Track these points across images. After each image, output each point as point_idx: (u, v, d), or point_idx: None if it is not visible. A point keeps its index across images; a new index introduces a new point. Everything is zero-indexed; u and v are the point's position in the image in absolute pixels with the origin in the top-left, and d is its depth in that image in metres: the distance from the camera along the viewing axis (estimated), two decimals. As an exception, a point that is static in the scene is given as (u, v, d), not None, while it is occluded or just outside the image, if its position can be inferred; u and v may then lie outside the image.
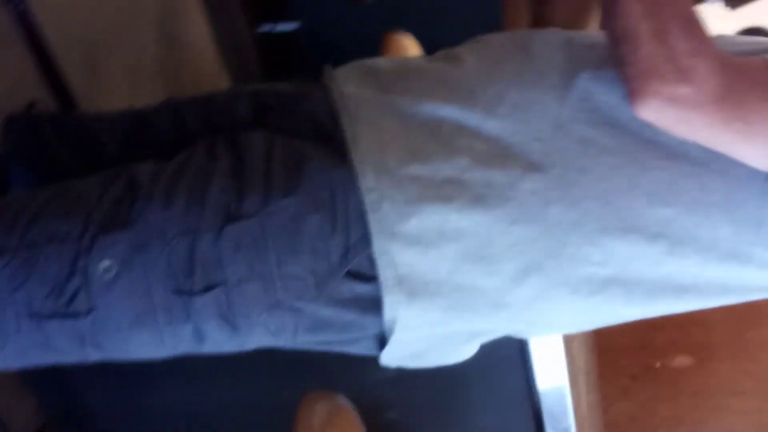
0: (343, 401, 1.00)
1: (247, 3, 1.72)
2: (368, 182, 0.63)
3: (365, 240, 0.63)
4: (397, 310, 0.65)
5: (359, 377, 1.02)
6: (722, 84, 0.59)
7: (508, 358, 1.07)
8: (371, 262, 0.64)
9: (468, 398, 1.14)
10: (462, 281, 0.67)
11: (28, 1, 1.04)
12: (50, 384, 1.09)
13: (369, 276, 0.65)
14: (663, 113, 0.61)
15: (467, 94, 0.68)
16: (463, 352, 0.79)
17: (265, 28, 1.82)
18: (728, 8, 1.01)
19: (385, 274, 0.64)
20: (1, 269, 0.66)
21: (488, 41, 0.76)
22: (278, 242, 0.64)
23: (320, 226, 0.63)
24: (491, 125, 0.66)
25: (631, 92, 0.61)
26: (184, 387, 1.15)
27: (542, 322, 0.76)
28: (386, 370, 0.77)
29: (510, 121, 0.66)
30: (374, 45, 1.19)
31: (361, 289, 0.65)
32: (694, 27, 0.61)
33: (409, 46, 1.20)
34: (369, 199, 0.63)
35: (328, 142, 0.67)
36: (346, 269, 0.64)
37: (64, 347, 0.70)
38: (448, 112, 0.67)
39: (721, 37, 0.73)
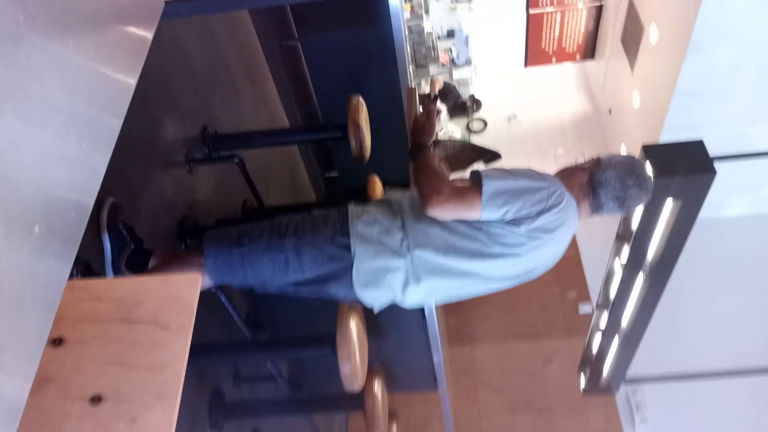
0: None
1: (319, 160, 3.86)
2: (352, 211, 1.78)
3: (346, 224, 1.73)
4: (355, 247, 1.70)
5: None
6: (452, 191, 1.64)
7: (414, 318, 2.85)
8: (348, 229, 1.72)
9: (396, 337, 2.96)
10: (381, 238, 1.71)
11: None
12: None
13: (347, 235, 1.71)
14: (436, 209, 1.63)
15: (398, 208, 1.79)
16: (394, 289, 1.75)
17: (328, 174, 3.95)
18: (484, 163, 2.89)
19: (352, 232, 1.71)
20: (240, 244, 1.79)
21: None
22: (319, 230, 1.75)
23: (333, 224, 1.74)
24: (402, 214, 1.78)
25: (424, 205, 1.64)
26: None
27: (418, 269, 1.73)
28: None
29: (400, 206, 1.80)
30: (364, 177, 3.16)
31: (344, 240, 1.71)
32: (440, 176, 1.68)
33: (377, 181, 3.16)
34: (351, 216, 1.76)
35: (340, 213, 1.81)
36: (341, 232, 1.72)
37: (236, 265, 1.76)
38: (391, 211, 1.80)
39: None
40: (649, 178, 1.77)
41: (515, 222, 1.65)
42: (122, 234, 1.94)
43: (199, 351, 2.17)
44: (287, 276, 1.74)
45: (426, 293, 1.81)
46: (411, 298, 1.79)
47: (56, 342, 0.82)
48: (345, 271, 1.72)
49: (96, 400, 0.77)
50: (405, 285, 1.75)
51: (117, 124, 0.78)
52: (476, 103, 7.10)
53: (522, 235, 1.66)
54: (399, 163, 3.03)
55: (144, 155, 2.43)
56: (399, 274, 1.73)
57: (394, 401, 4.87)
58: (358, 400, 2.69)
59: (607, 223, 2.29)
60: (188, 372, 2.57)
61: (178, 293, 0.86)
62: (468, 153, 2.94)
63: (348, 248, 1.71)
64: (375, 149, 2.94)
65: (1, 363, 0.54)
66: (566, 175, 1.78)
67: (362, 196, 3.16)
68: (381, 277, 1.73)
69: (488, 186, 1.62)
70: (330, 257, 1.72)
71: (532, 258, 1.74)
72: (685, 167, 2.06)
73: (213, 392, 2.79)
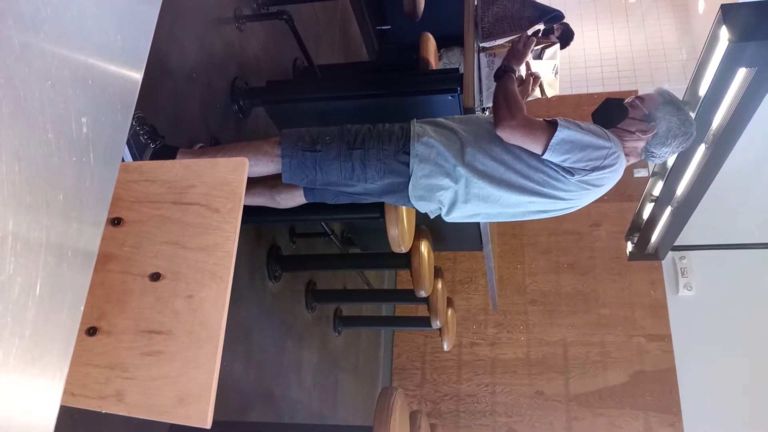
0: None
1: (371, 17, 3.69)
2: (414, 131, 1.91)
3: (408, 143, 1.89)
4: (412, 165, 1.88)
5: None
6: (524, 121, 1.81)
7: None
8: (409, 149, 1.88)
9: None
10: (437, 161, 1.88)
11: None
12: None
13: (407, 153, 1.88)
14: (506, 131, 1.81)
15: (459, 135, 1.91)
16: (443, 204, 1.94)
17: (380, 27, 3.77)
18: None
19: (412, 152, 1.87)
20: (314, 149, 1.92)
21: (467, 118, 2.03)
22: (383, 145, 1.90)
23: (396, 141, 1.90)
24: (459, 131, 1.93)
25: (496, 124, 1.83)
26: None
27: (468, 193, 1.90)
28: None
29: (461, 135, 1.91)
30: (417, 34, 3.02)
31: (405, 158, 1.88)
32: (519, 103, 1.84)
33: (430, 38, 3.01)
34: (413, 136, 1.90)
35: (403, 131, 1.94)
36: (402, 150, 1.89)
37: (308, 167, 1.92)
38: (446, 131, 1.94)
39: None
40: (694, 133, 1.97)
41: (570, 170, 1.83)
42: (136, 131, 1.96)
43: (255, 211, 2.27)
44: (352, 182, 1.94)
45: (469, 214, 2.00)
46: (454, 215, 1.99)
47: (115, 222, 0.87)
48: (403, 185, 1.92)
49: (155, 277, 0.84)
50: (452, 203, 1.94)
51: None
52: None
53: (572, 183, 1.86)
54: (453, 18, 2.89)
55: (193, 11, 2.38)
56: (449, 193, 1.92)
57: (441, 257, 5.05)
58: (406, 259, 2.80)
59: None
60: (246, 228, 2.65)
61: (226, 177, 0.89)
62: (528, 11, 2.75)
63: (407, 165, 1.89)
64: (429, 4, 2.79)
65: (72, 232, 0.58)
66: (625, 137, 1.91)
67: (415, 54, 3.05)
68: (433, 193, 1.92)
69: (560, 132, 1.77)
70: (391, 171, 1.90)
71: (574, 202, 1.96)
72: (765, 32, 1.89)
73: (271, 246, 2.96)
